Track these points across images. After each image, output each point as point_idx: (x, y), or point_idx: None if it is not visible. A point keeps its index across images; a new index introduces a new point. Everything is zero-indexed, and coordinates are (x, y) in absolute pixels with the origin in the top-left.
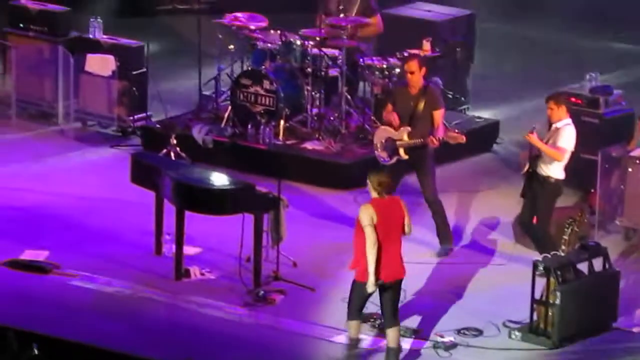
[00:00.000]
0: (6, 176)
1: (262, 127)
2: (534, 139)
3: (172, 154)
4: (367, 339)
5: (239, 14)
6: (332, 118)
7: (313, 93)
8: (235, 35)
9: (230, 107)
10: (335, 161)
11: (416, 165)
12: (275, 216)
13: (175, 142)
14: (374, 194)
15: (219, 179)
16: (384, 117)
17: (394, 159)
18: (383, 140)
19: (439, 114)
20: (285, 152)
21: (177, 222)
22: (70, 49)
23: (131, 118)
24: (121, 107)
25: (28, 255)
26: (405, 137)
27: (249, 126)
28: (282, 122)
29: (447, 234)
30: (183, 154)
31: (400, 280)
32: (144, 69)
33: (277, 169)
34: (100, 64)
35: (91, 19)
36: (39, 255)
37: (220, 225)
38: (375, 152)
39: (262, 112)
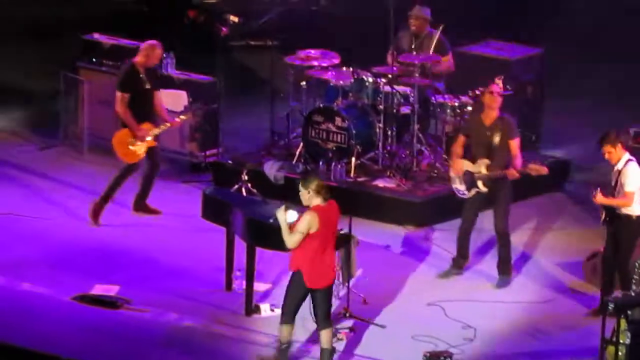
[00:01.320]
0: (78, 210)
1: (333, 164)
2: (601, 199)
3: (244, 190)
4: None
5: (311, 51)
6: (403, 156)
7: (385, 130)
8: (307, 72)
9: (302, 144)
10: (406, 199)
11: (494, 197)
12: (346, 253)
13: (246, 178)
14: (318, 200)
15: (290, 216)
16: (452, 148)
17: (473, 192)
18: (461, 174)
19: (515, 144)
20: (357, 189)
21: (248, 258)
22: None
23: (203, 153)
24: (193, 143)
25: (99, 290)
26: (484, 170)
27: (321, 163)
28: (353, 159)
29: (508, 267)
30: (254, 190)
31: (333, 283)
32: (215, 105)
33: (348, 206)
34: (173, 99)
35: (164, 54)
36: (110, 290)
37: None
38: (453, 185)
39: (333, 149)
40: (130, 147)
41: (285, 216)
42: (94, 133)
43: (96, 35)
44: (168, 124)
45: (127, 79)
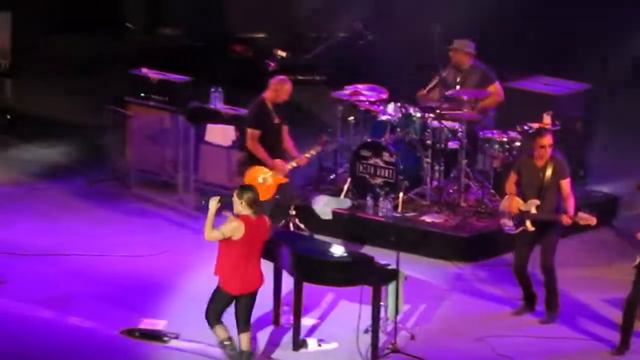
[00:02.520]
0: (125, 245)
1: (381, 199)
2: None
3: (291, 225)
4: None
5: (359, 86)
6: (451, 191)
7: (432, 165)
8: (355, 107)
9: (349, 179)
10: (454, 234)
11: (542, 234)
12: (393, 288)
13: (294, 213)
14: (248, 212)
15: (338, 251)
16: (506, 185)
17: (520, 229)
18: (511, 210)
19: (566, 183)
20: (404, 225)
21: (296, 293)
22: (191, 118)
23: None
24: (240, 177)
25: (146, 324)
26: (534, 210)
27: (368, 198)
28: (401, 194)
29: (555, 304)
30: (302, 225)
31: (257, 290)
32: None
33: (395, 241)
34: (221, 134)
35: (212, 89)
36: (157, 324)
37: (339, 297)
38: (501, 220)
39: (381, 184)
40: (262, 184)
41: (215, 207)
42: (141, 168)
43: (144, 70)
44: (298, 160)
45: (257, 115)
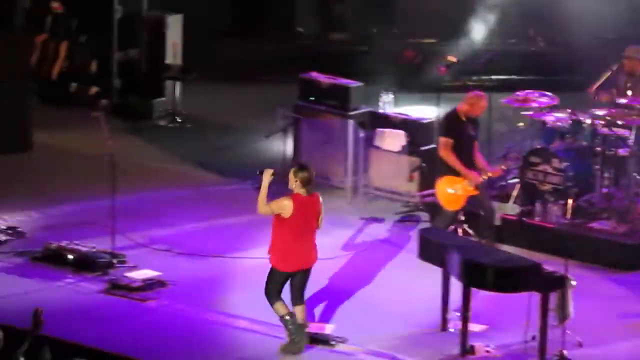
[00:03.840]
0: None
1: (549, 205)
2: None
3: (459, 231)
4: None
5: (529, 92)
6: (621, 198)
7: (602, 172)
8: (524, 113)
9: (518, 185)
10: (622, 242)
11: None
12: (561, 295)
13: (462, 219)
14: (300, 191)
15: (506, 257)
16: None
17: None
18: None
19: None
20: (572, 232)
21: (464, 298)
22: (361, 123)
23: (419, 194)
24: (410, 183)
25: (314, 328)
26: None
27: (537, 204)
28: (570, 201)
29: None
30: (470, 231)
31: (311, 267)
32: (434, 145)
33: (564, 248)
34: (391, 139)
35: (382, 94)
36: (325, 328)
37: (507, 303)
38: None
39: (550, 190)
40: (452, 194)
41: (268, 180)
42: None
43: (314, 74)
44: (489, 173)
45: (450, 125)
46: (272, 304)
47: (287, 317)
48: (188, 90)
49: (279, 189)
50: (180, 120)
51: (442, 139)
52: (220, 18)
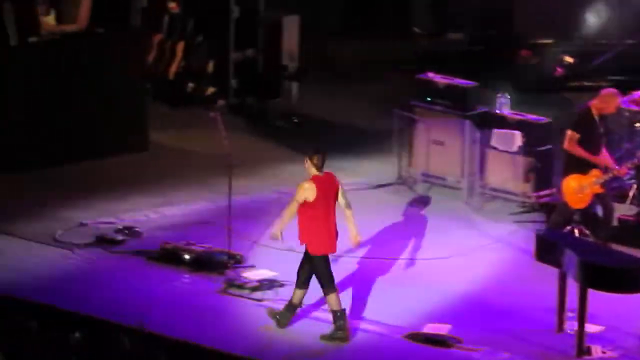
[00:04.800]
0: (408, 249)
1: None
2: None
3: (576, 232)
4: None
5: None
6: None
7: None
8: None
9: (635, 186)
10: None
11: None
12: None
13: (579, 219)
14: (315, 171)
15: (623, 258)
16: None
17: None
18: None
19: None
20: None
21: (580, 299)
22: (477, 124)
23: (536, 194)
24: (526, 183)
25: (430, 328)
26: None
27: None
28: None
29: None
30: (587, 232)
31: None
32: (550, 146)
33: None
34: (507, 140)
35: (498, 95)
36: (441, 329)
37: (624, 304)
38: None
39: None
40: (579, 192)
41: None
42: (427, 171)
43: (430, 75)
44: (615, 171)
45: (580, 120)
46: (295, 287)
47: (293, 307)
48: (304, 91)
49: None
50: (296, 121)
51: (569, 132)
52: (335, 18)
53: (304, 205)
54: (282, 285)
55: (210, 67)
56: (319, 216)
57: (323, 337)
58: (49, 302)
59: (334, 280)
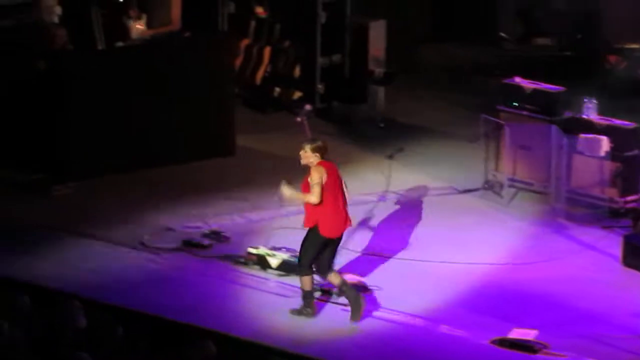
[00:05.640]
0: (495, 254)
1: None
2: None
3: None
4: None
5: None
6: None
7: None
8: None
9: None
10: None
11: None
12: None
13: None
14: (318, 158)
15: None
16: None
17: None
18: None
19: None
20: None
21: None
22: (564, 129)
23: (623, 199)
24: (613, 189)
25: (516, 333)
26: None
27: None
28: None
29: None
30: None
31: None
32: (637, 151)
33: None
34: (594, 145)
35: (585, 100)
36: (528, 334)
37: None
38: None
39: None
40: None
41: (289, 191)
42: (514, 177)
43: (517, 80)
44: None
45: None
46: (302, 275)
47: (309, 294)
48: (390, 96)
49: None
50: (382, 125)
51: None
52: (421, 23)
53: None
54: (367, 290)
55: (297, 71)
56: (332, 198)
57: (292, 311)
58: (135, 306)
59: (312, 264)
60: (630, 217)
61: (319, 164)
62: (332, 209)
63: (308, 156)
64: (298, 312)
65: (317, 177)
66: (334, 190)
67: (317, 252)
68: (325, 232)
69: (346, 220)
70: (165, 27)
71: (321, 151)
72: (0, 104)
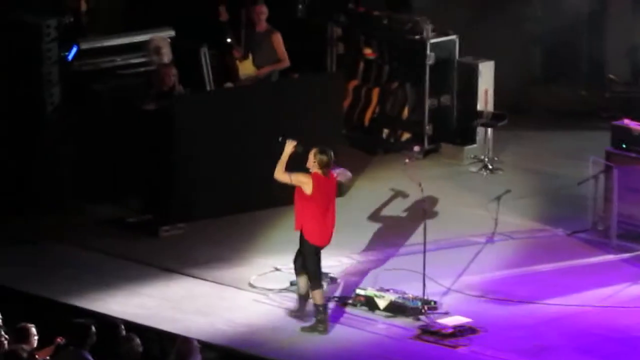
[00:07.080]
0: (604, 296)
1: None
2: None
3: None
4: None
5: None
6: None
7: None
8: None
9: None
10: None
11: None
12: None
13: None
14: (317, 170)
15: None
16: None
17: None
18: None
19: None
20: None
21: None
22: None
23: None
24: None
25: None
26: None
27: None
28: None
29: None
30: None
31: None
32: None
33: None
34: None
35: None
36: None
37: None
38: None
39: None
40: None
41: (290, 151)
42: (624, 220)
43: (626, 121)
44: None
45: None
46: (297, 275)
47: (303, 294)
48: (499, 137)
49: None
50: (491, 167)
51: None
52: (531, 64)
53: (302, 195)
54: (475, 332)
55: (406, 113)
56: (316, 212)
57: (304, 328)
58: (242, 347)
59: (321, 275)
60: None
61: (313, 175)
62: (318, 221)
63: (310, 160)
64: (310, 329)
65: (297, 179)
66: (323, 203)
67: (317, 261)
68: (312, 239)
69: (330, 236)
70: (273, 65)
71: (322, 164)
72: (112, 144)
